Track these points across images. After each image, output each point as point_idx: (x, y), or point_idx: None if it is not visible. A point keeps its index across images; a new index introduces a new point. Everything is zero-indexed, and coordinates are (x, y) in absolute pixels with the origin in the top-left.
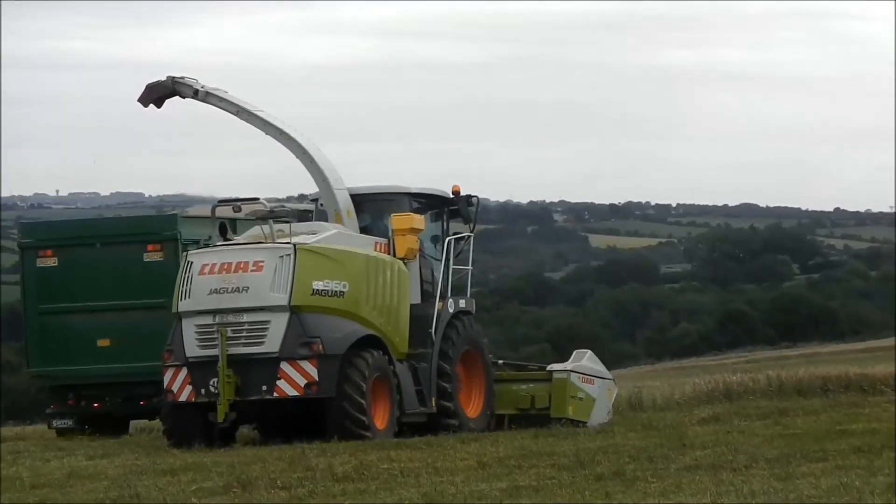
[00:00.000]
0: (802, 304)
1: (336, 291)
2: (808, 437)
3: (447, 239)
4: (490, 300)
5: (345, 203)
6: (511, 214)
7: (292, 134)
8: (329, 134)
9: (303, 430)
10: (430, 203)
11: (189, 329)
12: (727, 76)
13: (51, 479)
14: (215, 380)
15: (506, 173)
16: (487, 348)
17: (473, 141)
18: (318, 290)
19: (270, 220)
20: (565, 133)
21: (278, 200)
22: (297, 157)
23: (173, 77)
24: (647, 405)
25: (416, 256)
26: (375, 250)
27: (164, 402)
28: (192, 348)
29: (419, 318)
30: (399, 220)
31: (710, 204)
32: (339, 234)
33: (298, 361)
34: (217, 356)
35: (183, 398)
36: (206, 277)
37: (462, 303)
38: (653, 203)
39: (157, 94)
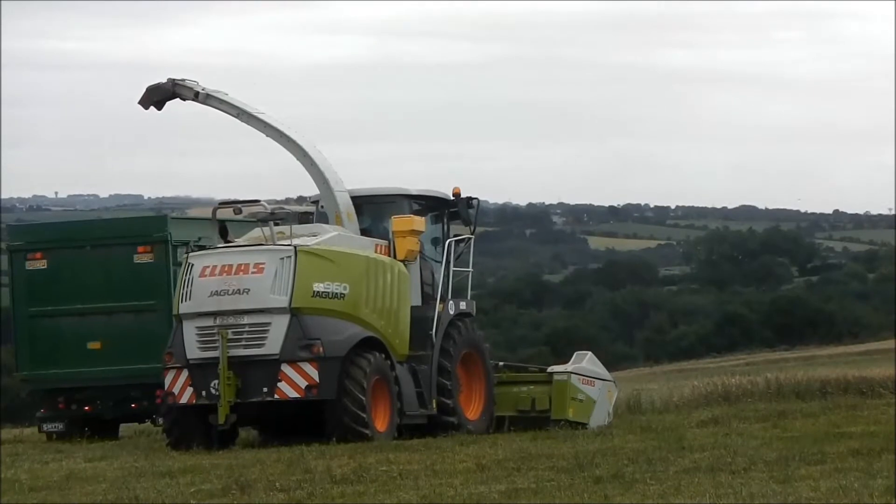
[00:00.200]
0: (801, 306)
1: (336, 293)
2: (807, 439)
3: (447, 241)
4: (488, 302)
5: (345, 205)
6: (509, 216)
7: (293, 136)
8: (328, 134)
9: (302, 432)
10: (430, 205)
11: (190, 331)
12: (727, 77)
13: (49, 482)
14: (216, 382)
15: (504, 175)
16: (488, 350)
17: (473, 142)
18: (318, 291)
19: (271, 222)
20: (564, 135)
21: (277, 202)
22: (297, 158)
23: (174, 79)
24: (646, 407)
25: (416, 258)
26: (376, 252)
27: (164, 403)
28: (193, 350)
29: (419, 320)
30: (399, 222)
31: (709, 206)
32: (339, 236)
33: (299, 363)
34: (218, 358)
35: (184, 400)
36: (206, 279)
37: (462, 305)
38: (651, 205)
39: (157, 96)
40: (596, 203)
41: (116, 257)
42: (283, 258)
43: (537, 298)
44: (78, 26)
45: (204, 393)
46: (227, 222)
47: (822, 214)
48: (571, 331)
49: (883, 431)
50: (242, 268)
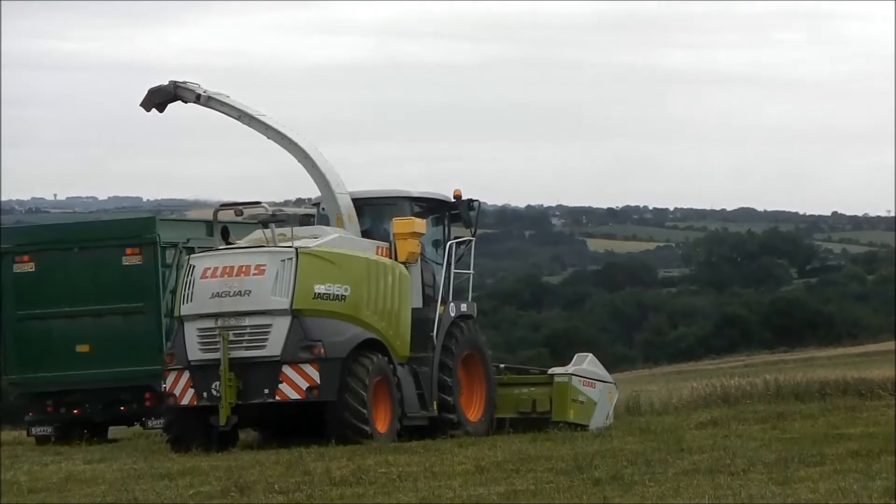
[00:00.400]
0: (800, 308)
1: (337, 295)
2: (806, 440)
3: (448, 243)
4: (487, 303)
5: (346, 207)
6: (509, 218)
7: (294, 138)
8: (328, 134)
9: (303, 433)
10: (431, 207)
11: (191, 332)
12: (727, 77)
13: (49, 483)
14: (217, 383)
15: (504, 176)
16: (489, 352)
17: (473, 142)
18: (319, 293)
19: (272, 224)
20: (564, 135)
21: (276, 204)
22: (298, 160)
23: (175, 82)
24: (645, 409)
25: (417, 260)
26: (377, 254)
27: (165, 405)
28: (194, 352)
29: (420, 321)
30: (400, 224)
31: (708, 208)
32: (340, 238)
33: (300, 365)
34: (219, 360)
35: (185, 401)
36: (207, 281)
37: (463, 307)
38: (650, 207)
39: (158, 98)
40: (595, 205)
41: (105, 259)
42: (284, 260)
43: (536, 300)
44: (78, 26)
45: (205, 394)
46: (229, 224)
47: (821, 216)
48: (570, 332)
49: (882, 433)
50: (244, 269)
